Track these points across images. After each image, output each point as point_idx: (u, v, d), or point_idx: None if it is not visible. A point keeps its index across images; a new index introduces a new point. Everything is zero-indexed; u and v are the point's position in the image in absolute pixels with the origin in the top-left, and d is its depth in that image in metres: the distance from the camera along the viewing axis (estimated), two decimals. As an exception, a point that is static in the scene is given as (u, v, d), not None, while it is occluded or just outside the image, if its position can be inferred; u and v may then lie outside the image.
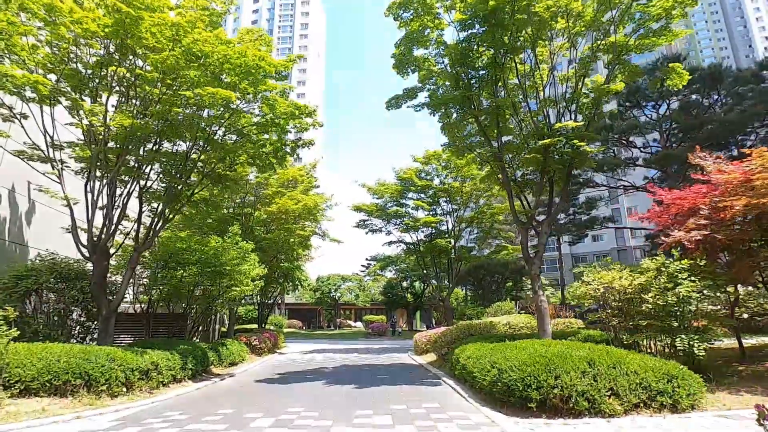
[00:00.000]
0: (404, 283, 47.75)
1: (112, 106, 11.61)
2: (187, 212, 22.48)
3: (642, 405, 7.18)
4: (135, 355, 10.01)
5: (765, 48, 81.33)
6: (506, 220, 23.23)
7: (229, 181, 13.88)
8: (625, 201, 60.34)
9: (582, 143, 11.39)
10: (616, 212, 59.71)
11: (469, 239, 24.83)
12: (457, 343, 13.26)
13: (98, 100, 11.18)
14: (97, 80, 11.13)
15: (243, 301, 47.99)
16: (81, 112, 10.54)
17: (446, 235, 23.06)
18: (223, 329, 22.29)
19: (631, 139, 27.05)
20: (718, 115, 25.20)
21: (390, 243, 25.37)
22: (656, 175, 28.64)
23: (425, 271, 24.49)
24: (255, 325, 31.33)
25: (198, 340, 18.78)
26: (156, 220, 12.62)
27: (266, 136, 13.67)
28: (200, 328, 19.33)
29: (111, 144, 11.72)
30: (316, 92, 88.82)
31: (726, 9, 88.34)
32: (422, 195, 23.52)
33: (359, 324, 55.57)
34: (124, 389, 9.50)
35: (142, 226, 12.90)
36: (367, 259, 60.56)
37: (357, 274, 55.66)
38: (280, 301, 56.77)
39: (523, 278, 29.29)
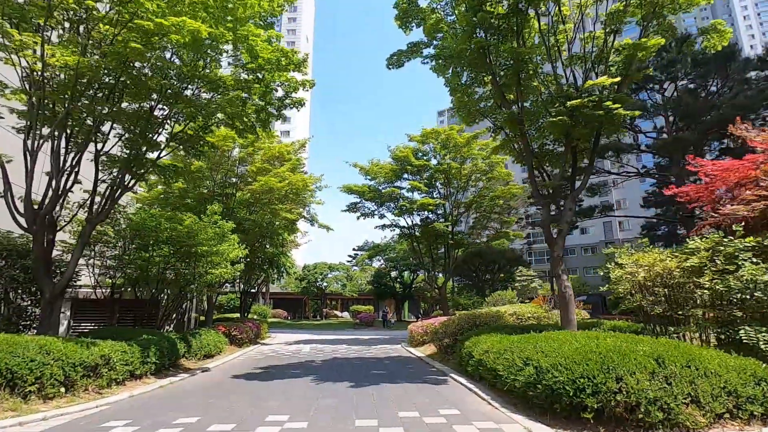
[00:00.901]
0: (393, 273, 46.08)
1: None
2: (162, 189, 20.33)
3: (727, 415, 5.52)
4: (80, 347, 8.00)
5: (751, 46, 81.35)
6: (507, 204, 21.63)
7: (203, 144, 11.79)
8: (614, 193, 59.54)
9: (616, 105, 9.69)
10: (605, 204, 59.00)
11: (467, 224, 23.10)
12: (464, 335, 11.54)
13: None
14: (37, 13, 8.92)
15: (225, 289, 45.80)
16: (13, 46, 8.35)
17: (443, 220, 21.29)
18: (202, 318, 20.28)
19: (635, 123, 25.61)
20: (725, 100, 23.92)
21: (383, 227, 23.51)
22: (660, 162, 27.37)
23: (420, 259, 22.70)
24: (237, 315, 29.33)
25: (171, 330, 16.80)
26: (114, 187, 10.51)
27: (246, 96, 11.62)
28: (173, 316, 17.31)
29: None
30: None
31: (715, 6, 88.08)
32: (418, 177, 21.68)
33: (346, 314, 53.78)
34: (63, 390, 7.51)
35: (97, 194, 10.77)
36: (354, 249, 58.75)
37: (344, 264, 53.73)
38: (264, 290, 54.55)
39: (519, 268, 27.83)
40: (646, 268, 8.88)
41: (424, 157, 21.54)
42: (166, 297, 15.51)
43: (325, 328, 36.37)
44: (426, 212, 21.45)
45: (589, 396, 5.48)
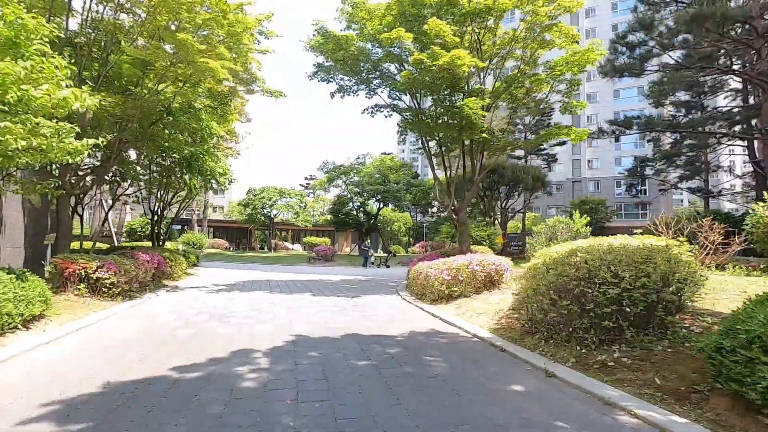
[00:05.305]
0: (356, 202, 37.57)
1: None
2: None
3: None
4: None
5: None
6: (574, 79, 12.97)
7: None
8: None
9: None
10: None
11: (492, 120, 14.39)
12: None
13: None
14: None
15: (134, 211, 34.76)
16: None
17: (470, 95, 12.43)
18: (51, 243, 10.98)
19: None
20: None
21: (374, 109, 14.23)
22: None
23: (430, 162, 14.05)
24: (150, 243, 19.94)
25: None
26: None
27: None
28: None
29: None
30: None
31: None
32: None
33: (298, 246, 45.47)
34: None
35: None
36: (306, 178, 49.18)
37: (296, 190, 44.22)
38: (202, 217, 44.40)
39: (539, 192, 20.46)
40: None
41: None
42: None
43: (274, 263, 27.90)
44: (449, 90, 12.45)
45: None
